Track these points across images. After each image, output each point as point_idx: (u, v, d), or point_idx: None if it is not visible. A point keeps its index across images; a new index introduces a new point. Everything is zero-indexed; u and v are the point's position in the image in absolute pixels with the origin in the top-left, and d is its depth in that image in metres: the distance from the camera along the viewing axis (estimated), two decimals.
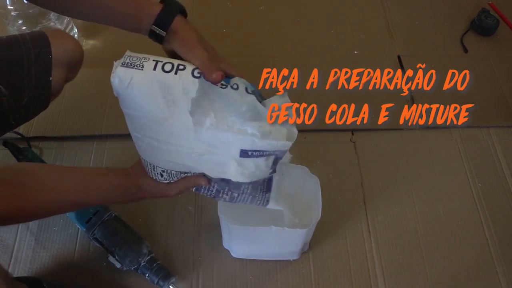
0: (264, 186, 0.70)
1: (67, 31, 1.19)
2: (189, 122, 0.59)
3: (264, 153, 0.62)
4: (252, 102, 0.59)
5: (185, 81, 0.58)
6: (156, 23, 0.62)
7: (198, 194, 0.72)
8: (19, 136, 1.02)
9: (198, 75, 0.59)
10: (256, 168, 0.63)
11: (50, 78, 0.78)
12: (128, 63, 0.59)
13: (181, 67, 0.59)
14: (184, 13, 0.65)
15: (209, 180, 0.66)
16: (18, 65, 0.75)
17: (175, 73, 0.58)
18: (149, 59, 0.59)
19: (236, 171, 0.63)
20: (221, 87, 0.60)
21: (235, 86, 0.60)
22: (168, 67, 0.59)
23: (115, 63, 0.59)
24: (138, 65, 0.58)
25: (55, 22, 1.16)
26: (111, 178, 0.69)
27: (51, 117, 1.07)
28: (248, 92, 0.60)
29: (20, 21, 1.13)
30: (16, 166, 0.68)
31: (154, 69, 0.58)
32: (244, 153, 0.61)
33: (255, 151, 0.61)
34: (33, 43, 0.77)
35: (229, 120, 0.59)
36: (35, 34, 0.79)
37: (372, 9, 1.35)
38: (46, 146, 1.05)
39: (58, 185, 0.63)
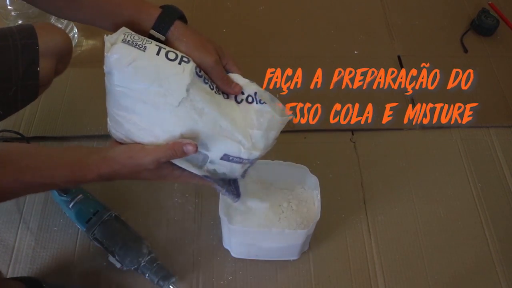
0: (233, 189, 0.69)
1: (66, 31, 1.19)
2: (178, 118, 0.57)
3: (243, 161, 0.62)
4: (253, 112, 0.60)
5: (187, 75, 0.56)
6: (155, 28, 0.61)
7: (194, 186, 0.70)
8: (19, 136, 1.02)
9: (201, 73, 0.58)
10: (230, 171, 0.63)
11: (38, 69, 0.78)
12: (129, 41, 0.56)
13: (185, 59, 0.58)
14: (183, 19, 0.64)
15: (197, 146, 0.57)
16: (4, 56, 0.75)
17: (179, 63, 0.57)
18: (151, 42, 0.57)
19: (208, 170, 0.62)
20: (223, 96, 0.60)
21: (239, 99, 0.60)
22: (172, 55, 0.57)
23: (106, 37, 0.56)
24: (140, 46, 0.56)
25: (55, 21, 1.16)
26: (74, 155, 0.61)
27: (51, 117, 1.08)
28: (248, 102, 0.60)
29: (20, 21, 1.13)
30: None
31: (158, 54, 0.56)
32: (225, 157, 0.61)
33: (236, 157, 0.60)
34: (19, 35, 0.77)
35: (221, 124, 0.58)
36: (22, 27, 0.79)
37: (372, 9, 1.35)
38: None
39: (18, 163, 0.59)
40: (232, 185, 0.68)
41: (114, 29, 0.61)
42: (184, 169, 0.61)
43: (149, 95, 0.57)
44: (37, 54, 0.78)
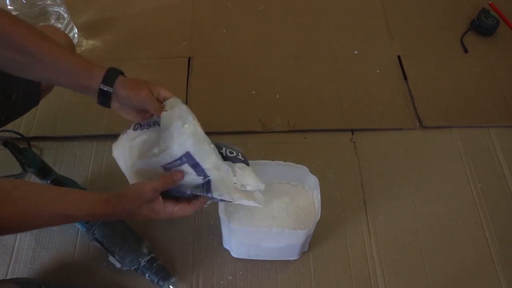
0: (204, 188, 0.73)
1: (66, 31, 1.19)
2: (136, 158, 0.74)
3: (175, 164, 0.69)
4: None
5: (129, 136, 0.75)
6: (103, 82, 0.69)
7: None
8: (19, 136, 1.02)
9: (137, 127, 0.75)
10: (189, 178, 0.71)
11: None
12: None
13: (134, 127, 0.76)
14: (123, 74, 0.73)
15: (183, 173, 0.70)
16: None
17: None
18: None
19: None
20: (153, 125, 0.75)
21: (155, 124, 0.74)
22: (136, 127, 0.76)
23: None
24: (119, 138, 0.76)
25: (54, 22, 1.16)
26: (94, 194, 0.68)
27: (51, 117, 1.08)
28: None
29: None
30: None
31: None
32: (165, 168, 0.70)
33: (168, 163, 0.69)
34: None
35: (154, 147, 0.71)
36: None
37: (372, 9, 1.35)
38: (46, 146, 1.05)
39: (39, 196, 0.63)
40: (205, 186, 0.73)
41: (68, 85, 0.70)
42: (174, 205, 0.70)
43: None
44: None
